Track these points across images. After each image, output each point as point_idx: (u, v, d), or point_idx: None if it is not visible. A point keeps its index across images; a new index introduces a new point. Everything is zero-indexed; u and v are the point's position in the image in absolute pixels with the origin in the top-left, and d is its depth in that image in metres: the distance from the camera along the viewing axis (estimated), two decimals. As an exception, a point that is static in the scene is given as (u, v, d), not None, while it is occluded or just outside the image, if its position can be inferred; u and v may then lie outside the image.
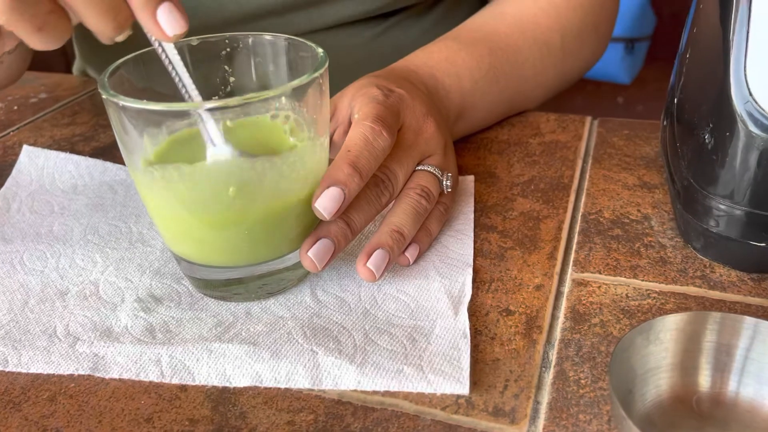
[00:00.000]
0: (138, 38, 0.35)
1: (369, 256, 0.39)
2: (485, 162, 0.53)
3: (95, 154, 0.56)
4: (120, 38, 0.35)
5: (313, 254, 0.37)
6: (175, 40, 0.33)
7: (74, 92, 0.70)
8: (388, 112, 0.41)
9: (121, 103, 0.33)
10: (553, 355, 0.35)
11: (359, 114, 0.40)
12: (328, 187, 0.36)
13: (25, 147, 0.54)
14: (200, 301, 0.40)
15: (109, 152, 0.57)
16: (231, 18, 0.61)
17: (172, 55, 0.34)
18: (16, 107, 0.67)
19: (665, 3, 2.27)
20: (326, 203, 0.36)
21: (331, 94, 0.39)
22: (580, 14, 0.60)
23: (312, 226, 0.38)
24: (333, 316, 0.38)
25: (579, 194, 0.49)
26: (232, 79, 0.41)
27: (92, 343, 0.36)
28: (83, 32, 0.75)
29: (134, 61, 0.38)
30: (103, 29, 0.33)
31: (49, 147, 0.57)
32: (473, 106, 0.53)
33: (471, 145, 0.55)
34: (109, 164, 0.53)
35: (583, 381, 0.33)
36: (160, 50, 0.34)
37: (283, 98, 0.33)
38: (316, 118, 0.36)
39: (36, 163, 0.53)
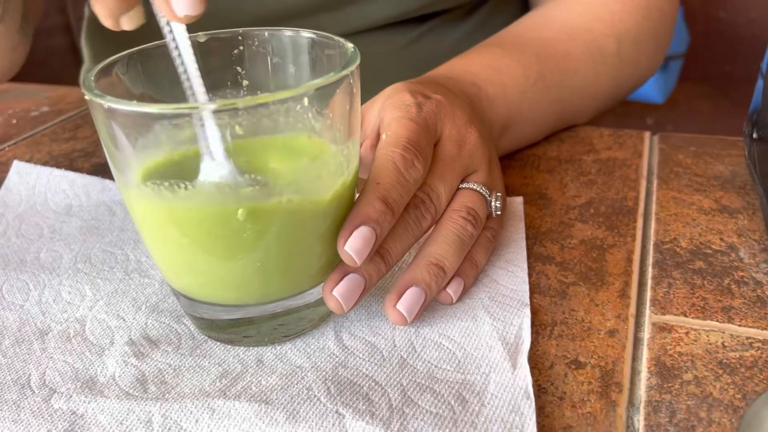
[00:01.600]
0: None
1: (400, 295, 0.32)
2: (534, 181, 0.46)
3: (95, 171, 0.50)
4: (127, 24, 0.29)
5: (339, 293, 0.31)
6: (186, 21, 0.27)
7: (79, 105, 0.64)
8: (421, 131, 0.35)
9: (108, 105, 0.26)
10: (640, 422, 0.28)
11: (388, 134, 0.34)
12: (357, 226, 0.30)
13: (15, 163, 0.48)
14: (203, 344, 0.33)
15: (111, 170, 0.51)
16: (249, 20, 0.55)
17: (181, 43, 0.28)
18: (15, 121, 0.61)
19: (699, 20, 2.20)
20: (357, 245, 0.30)
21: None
22: (637, 19, 0.53)
23: (337, 257, 0.31)
24: (362, 367, 0.31)
25: (647, 219, 0.42)
26: (245, 82, 0.35)
27: (70, 397, 0.30)
28: (92, 28, 0.70)
29: (132, 57, 0.32)
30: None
31: (46, 163, 0.52)
32: (520, 118, 0.47)
33: (516, 163, 0.49)
34: (108, 182, 0.47)
35: (683, 459, 0.26)
36: (169, 36, 0.28)
37: (305, 100, 0.27)
38: (344, 127, 0.30)
39: (27, 180, 0.47)
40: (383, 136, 0.34)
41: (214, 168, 0.27)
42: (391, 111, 0.36)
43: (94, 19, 0.66)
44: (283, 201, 0.28)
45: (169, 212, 0.28)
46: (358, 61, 0.29)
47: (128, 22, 0.30)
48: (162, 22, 0.28)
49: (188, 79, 0.29)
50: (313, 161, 0.30)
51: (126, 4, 0.29)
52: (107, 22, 0.29)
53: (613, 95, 0.55)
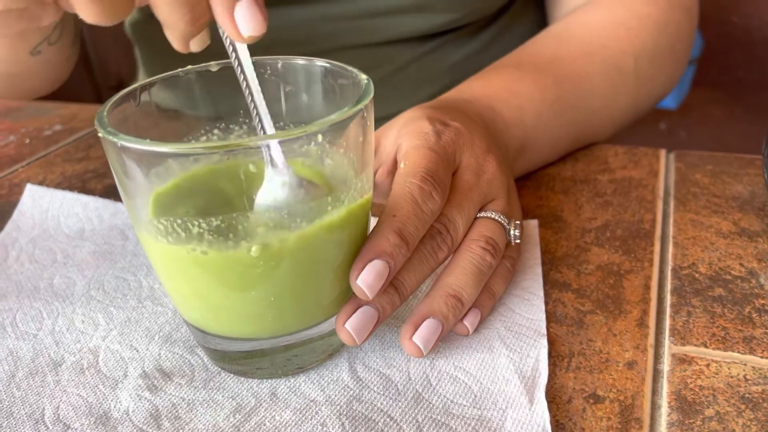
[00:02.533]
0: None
1: (417, 326, 0.32)
2: (549, 203, 0.46)
3: (108, 192, 0.50)
4: (195, 47, 0.30)
5: (351, 326, 0.30)
6: (250, 41, 0.28)
7: (91, 124, 0.64)
8: (440, 161, 0.34)
9: (120, 143, 0.26)
10: (662, 462, 0.27)
11: (406, 164, 0.34)
12: (371, 259, 0.30)
13: (28, 186, 0.48)
14: (217, 376, 0.33)
15: (123, 191, 0.51)
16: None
17: (245, 63, 0.28)
18: (28, 140, 0.61)
19: (712, 25, 2.18)
20: (370, 280, 0.29)
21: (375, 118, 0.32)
22: (654, 34, 0.52)
23: (350, 289, 0.31)
24: (377, 402, 0.31)
25: (665, 243, 0.41)
26: (257, 111, 0.35)
27: (84, 433, 0.30)
28: (151, 53, 0.69)
29: (144, 88, 0.32)
30: (176, 21, 0.28)
31: (59, 184, 0.52)
32: (536, 142, 0.46)
33: (530, 183, 0.48)
34: (120, 206, 0.47)
35: (706, 502, 0.25)
36: (232, 56, 0.28)
37: (319, 136, 0.27)
38: (357, 159, 0.30)
39: (40, 204, 0.47)
40: (401, 165, 0.34)
41: (277, 174, 0.27)
42: (409, 139, 0.36)
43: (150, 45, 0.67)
44: (297, 236, 0.28)
45: (181, 249, 0.28)
46: (372, 94, 0.29)
47: (196, 45, 0.30)
48: (226, 42, 0.29)
49: (252, 98, 0.29)
50: (326, 199, 0.29)
51: (196, 29, 0.29)
52: (179, 46, 0.30)
53: (631, 114, 0.54)
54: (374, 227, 0.31)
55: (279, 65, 0.34)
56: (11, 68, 0.48)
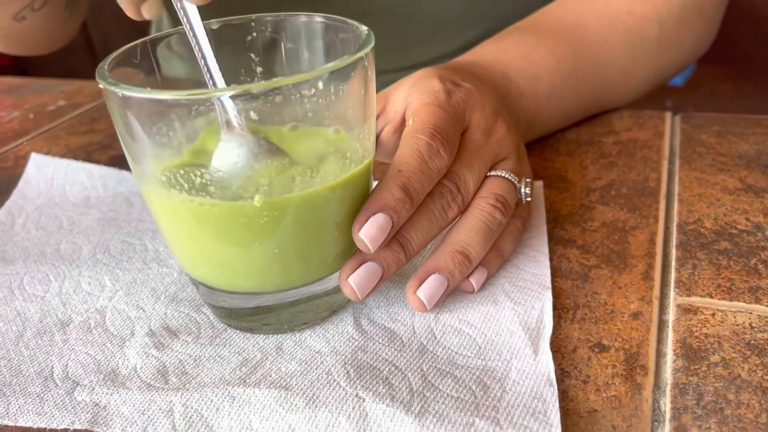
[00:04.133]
0: None
1: (422, 281, 0.32)
2: (553, 164, 0.46)
3: (112, 163, 0.50)
4: (147, 13, 0.30)
5: (354, 281, 0.30)
6: (200, 2, 0.27)
7: (95, 99, 0.64)
8: (450, 119, 0.34)
9: (122, 93, 0.26)
10: (667, 405, 0.27)
11: (414, 120, 0.33)
12: (374, 213, 0.29)
13: (33, 155, 0.48)
14: (223, 333, 0.33)
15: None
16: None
17: (195, 25, 0.28)
18: (32, 115, 0.62)
19: (718, 0, 2.15)
20: (372, 233, 0.29)
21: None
22: None
23: (354, 244, 0.31)
24: (382, 352, 0.31)
25: (670, 200, 0.41)
26: (259, 69, 0.35)
27: (93, 389, 0.30)
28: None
29: (145, 46, 0.32)
30: None
31: (63, 156, 0.52)
32: (548, 112, 0.46)
33: (535, 146, 0.48)
34: (125, 173, 0.47)
35: (711, 442, 0.26)
36: (183, 19, 0.28)
37: (320, 84, 0.27)
38: (359, 111, 0.29)
39: (45, 173, 0.47)
40: (410, 122, 0.34)
41: (235, 138, 0.27)
42: (419, 96, 0.35)
43: None
44: (299, 185, 0.28)
45: (186, 201, 0.28)
46: (372, 44, 0.29)
47: (147, 12, 0.30)
48: (176, 5, 0.28)
49: (204, 60, 0.29)
50: (327, 146, 0.29)
51: None
52: (130, 11, 0.29)
53: (651, 84, 0.52)
54: (380, 182, 0.31)
55: (279, 23, 0.34)
56: None
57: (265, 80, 0.34)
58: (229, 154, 0.28)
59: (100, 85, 0.27)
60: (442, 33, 0.60)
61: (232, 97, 0.26)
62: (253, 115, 0.26)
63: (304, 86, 0.26)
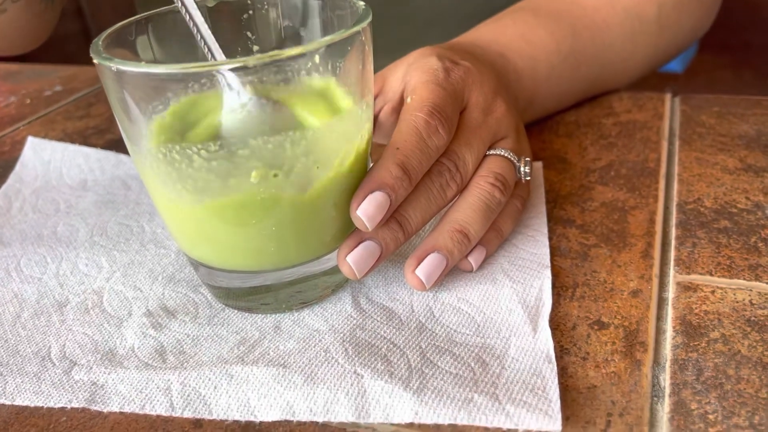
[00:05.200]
0: None
1: (420, 260, 0.32)
2: (552, 146, 0.46)
3: (109, 147, 0.50)
4: None
5: (352, 260, 0.30)
6: None
7: (91, 84, 0.64)
8: (448, 97, 0.33)
9: (116, 67, 0.26)
10: (666, 381, 0.27)
11: (413, 98, 0.33)
12: (372, 191, 0.29)
13: (30, 139, 0.48)
14: (221, 313, 0.33)
15: (125, 145, 0.51)
16: None
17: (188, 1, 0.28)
18: (28, 101, 0.61)
19: (718, -13, 2.14)
20: (370, 211, 0.29)
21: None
22: None
23: (352, 223, 0.31)
24: (380, 330, 0.31)
25: (670, 180, 0.41)
26: (255, 47, 0.34)
27: (91, 368, 0.30)
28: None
29: (141, 24, 0.31)
30: None
31: (60, 140, 0.51)
32: (546, 94, 0.45)
33: (534, 128, 0.48)
34: (123, 157, 0.47)
35: (711, 416, 0.25)
36: None
37: (317, 58, 0.26)
38: (357, 87, 0.29)
39: (41, 156, 0.47)
40: (408, 100, 0.34)
41: (235, 97, 0.27)
42: (417, 75, 0.35)
43: None
44: (297, 160, 0.28)
45: (180, 177, 0.28)
46: (369, 18, 0.29)
47: None
48: None
49: (199, 34, 0.28)
50: (325, 123, 0.29)
51: None
52: None
53: (649, 65, 0.52)
54: (378, 160, 0.31)
55: (276, 0, 0.33)
56: None
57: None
58: (233, 120, 0.28)
59: (95, 60, 0.27)
60: (433, 32, 0.59)
61: (228, 71, 0.25)
62: (248, 88, 0.26)
63: (301, 60, 0.26)
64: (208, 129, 0.28)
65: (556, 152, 0.45)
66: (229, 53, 0.34)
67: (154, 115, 0.28)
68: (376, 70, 0.33)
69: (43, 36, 0.57)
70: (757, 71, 2.08)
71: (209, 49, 0.29)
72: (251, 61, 0.25)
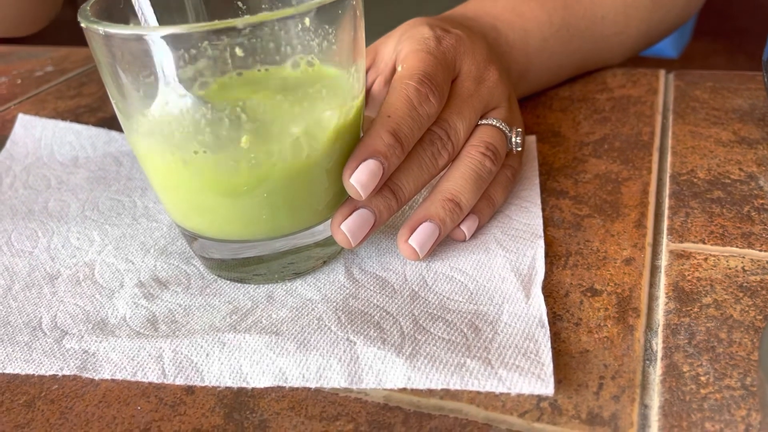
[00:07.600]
0: None
1: (413, 230, 0.32)
2: (546, 120, 0.45)
3: (101, 125, 0.49)
4: None
5: (347, 228, 0.30)
6: None
7: (83, 64, 0.64)
8: (439, 65, 0.33)
9: (104, 30, 0.26)
10: (659, 345, 0.27)
11: (403, 66, 0.33)
12: (364, 159, 0.29)
13: (20, 116, 0.48)
14: (213, 284, 0.33)
15: (117, 122, 0.50)
16: None
17: None
18: (20, 81, 0.61)
19: (713, -27, 2.14)
20: (363, 179, 0.29)
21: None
22: None
23: (344, 193, 0.30)
24: (373, 299, 0.31)
25: (663, 153, 0.41)
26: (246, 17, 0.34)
27: (82, 337, 0.30)
28: None
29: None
30: None
31: (51, 119, 0.51)
32: (539, 67, 0.45)
33: (528, 103, 0.48)
34: (114, 133, 0.47)
35: (703, 378, 0.25)
36: None
37: (307, 21, 0.26)
38: (348, 53, 0.29)
39: (32, 133, 0.47)
40: (399, 68, 0.33)
41: (172, 96, 0.26)
42: (408, 44, 0.35)
43: None
44: (288, 126, 0.27)
45: (170, 145, 0.28)
46: (361, -17, 0.28)
47: None
48: None
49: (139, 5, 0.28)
50: (316, 89, 0.29)
51: None
52: None
53: (643, 42, 0.52)
54: (369, 128, 0.31)
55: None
56: None
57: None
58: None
59: (82, 25, 0.27)
60: (429, 6, 0.59)
61: (217, 33, 0.25)
62: (238, 51, 0.26)
63: (291, 22, 0.26)
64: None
65: (549, 126, 0.44)
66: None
67: (147, 83, 0.28)
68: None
69: (45, 19, 0.57)
70: (751, 57, 2.08)
71: (145, 18, 0.28)
72: (240, 22, 0.25)
